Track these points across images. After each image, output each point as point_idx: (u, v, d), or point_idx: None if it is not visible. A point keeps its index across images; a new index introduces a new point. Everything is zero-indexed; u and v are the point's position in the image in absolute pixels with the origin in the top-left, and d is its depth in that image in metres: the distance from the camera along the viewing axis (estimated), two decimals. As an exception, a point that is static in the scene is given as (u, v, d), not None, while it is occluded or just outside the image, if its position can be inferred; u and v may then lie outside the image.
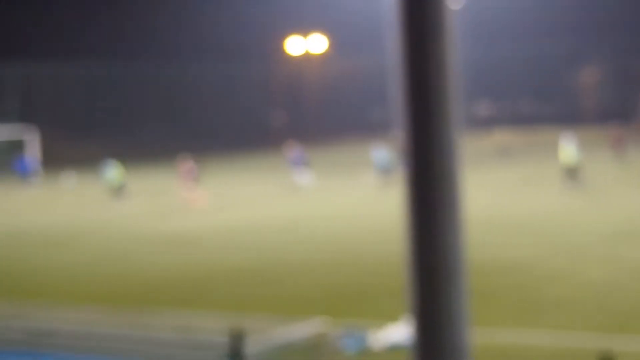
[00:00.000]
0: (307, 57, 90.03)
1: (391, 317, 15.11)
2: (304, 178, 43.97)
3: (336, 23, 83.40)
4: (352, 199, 38.00)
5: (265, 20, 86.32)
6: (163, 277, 22.05)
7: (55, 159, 62.24)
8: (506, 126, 77.01)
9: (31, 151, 58.33)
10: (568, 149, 37.78)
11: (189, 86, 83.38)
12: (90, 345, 8.73)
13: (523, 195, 35.91)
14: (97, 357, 8.97)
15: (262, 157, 67.78)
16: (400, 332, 13.71)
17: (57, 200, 43.67)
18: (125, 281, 21.78)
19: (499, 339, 13.50)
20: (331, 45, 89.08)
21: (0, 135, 62.66)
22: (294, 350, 8.62)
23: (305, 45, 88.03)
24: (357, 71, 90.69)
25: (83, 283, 21.82)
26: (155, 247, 27.01)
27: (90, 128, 75.38)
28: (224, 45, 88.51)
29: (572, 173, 37.10)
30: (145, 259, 25.04)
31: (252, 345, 8.25)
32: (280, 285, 20.57)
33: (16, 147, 61.40)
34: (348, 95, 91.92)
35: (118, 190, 41.33)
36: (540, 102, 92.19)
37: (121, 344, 8.70)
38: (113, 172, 42.32)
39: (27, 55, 74.89)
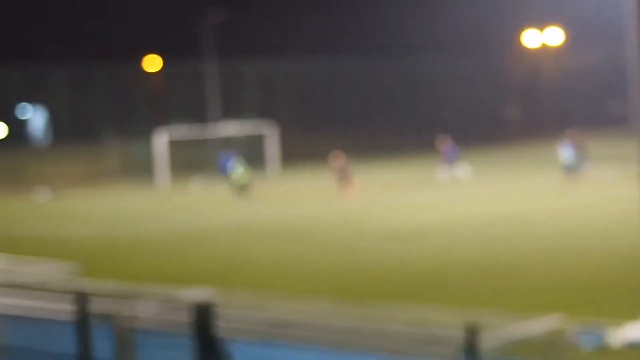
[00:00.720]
0: (543, 50, 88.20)
1: (630, 315, 14.59)
2: (461, 172, 45.30)
3: (573, 16, 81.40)
4: (580, 194, 36.95)
5: (501, 14, 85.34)
6: (395, 271, 22.12)
7: (292, 154, 63.79)
8: None
9: (270, 146, 59.93)
10: None
11: (421, 80, 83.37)
12: (324, 338, 8.82)
13: None
14: (331, 350, 9.05)
15: (495, 152, 66.94)
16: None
17: (293, 194, 44.65)
18: (357, 275, 22.00)
19: None
20: (568, 38, 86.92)
21: (241, 130, 64.79)
22: (529, 347, 8.40)
23: (541, 38, 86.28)
24: (595, 64, 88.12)
25: (316, 275, 22.20)
26: (388, 241, 27.14)
27: (325, 123, 76.67)
28: (458, 39, 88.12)
29: None
30: (378, 252, 25.19)
31: (487, 340, 8.10)
32: (512, 280, 20.24)
33: (256, 142, 63.33)
34: (585, 89, 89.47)
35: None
36: None
37: (354, 337, 8.74)
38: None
39: (266, 53, 77.23)
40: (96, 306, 9.97)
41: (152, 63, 75.68)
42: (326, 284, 20.83)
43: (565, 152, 41.22)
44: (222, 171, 48.47)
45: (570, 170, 40.49)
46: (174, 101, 67.89)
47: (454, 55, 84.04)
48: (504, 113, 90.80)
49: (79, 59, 74.41)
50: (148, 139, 58.69)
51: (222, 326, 9.30)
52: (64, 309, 10.21)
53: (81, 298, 9.56)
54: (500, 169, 52.47)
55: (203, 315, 8.78)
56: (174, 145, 62.39)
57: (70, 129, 62.40)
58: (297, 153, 70.07)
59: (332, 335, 8.83)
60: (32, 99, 70.88)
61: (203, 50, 63.98)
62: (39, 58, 72.26)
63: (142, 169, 59.24)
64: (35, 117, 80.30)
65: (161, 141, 55.68)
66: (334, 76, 75.39)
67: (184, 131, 66.84)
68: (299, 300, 10.55)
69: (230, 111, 71.19)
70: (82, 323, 9.46)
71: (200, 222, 34.71)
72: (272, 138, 61.19)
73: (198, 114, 67.04)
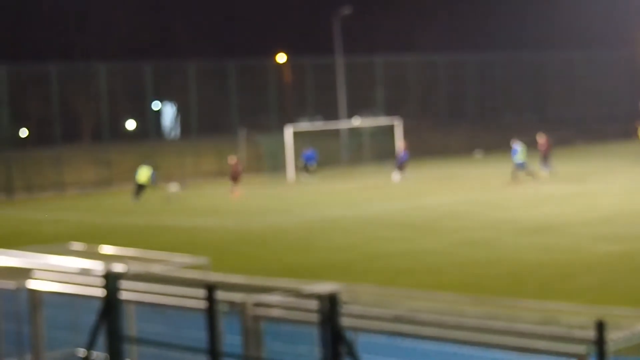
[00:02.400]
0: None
1: None
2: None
3: None
4: None
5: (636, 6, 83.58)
6: (526, 265, 21.87)
7: (420, 147, 63.60)
8: None
9: (399, 139, 59.86)
10: None
11: (554, 73, 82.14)
12: (451, 335, 8.78)
13: None
14: (457, 346, 9.00)
15: (632, 146, 65.44)
16: None
17: (421, 186, 44.58)
18: (486, 268, 21.82)
19: None
20: None
21: (369, 123, 64.97)
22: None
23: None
24: None
25: (445, 269, 22.11)
26: (516, 235, 26.85)
27: (453, 116, 76.22)
28: (591, 32, 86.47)
29: None
30: (507, 246, 24.94)
31: (617, 338, 7.94)
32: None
33: (384, 134, 63.45)
34: None
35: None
36: None
37: (482, 334, 8.68)
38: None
39: (394, 47, 77.12)
40: (225, 297, 10.15)
41: (282, 57, 76.48)
42: (453, 278, 20.73)
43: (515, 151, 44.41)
44: (306, 162, 54.16)
45: (519, 167, 43.66)
46: (303, 95, 68.44)
47: (587, 48, 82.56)
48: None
49: (210, 54, 75.79)
50: (278, 132, 59.34)
51: (348, 319, 9.36)
52: (195, 299, 10.44)
53: (211, 289, 9.75)
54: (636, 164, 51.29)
55: (330, 308, 8.85)
56: (303, 138, 62.91)
57: (201, 123, 63.52)
58: (425, 146, 69.89)
59: (459, 332, 8.78)
60: (164, 94, 72.44)
61: (332, 44, 64.27)
62: (171, 54, 73.81)
63: (272, 162, 59.95)
64: (166, 111, 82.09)
65: (291, 134, 56.18)
66: (461, 70, 74.83)
67: (313, 124, 67.34)
68: (425, 295, 10.50)
69: (359, 104, 71.40)
70: (212, 314, 9.65)
71: (328, 214, 34.95)
72: (400, 131, 61.08)
73: (327, 108, 67.44)
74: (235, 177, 47.10)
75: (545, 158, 46.26)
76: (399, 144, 53.91)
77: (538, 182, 42.55)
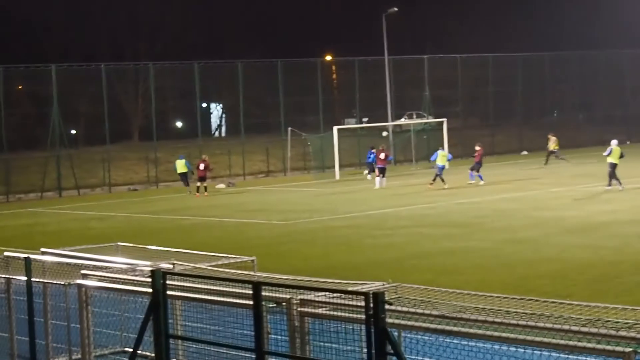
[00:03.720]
0: None
1: None
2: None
3: None
4: None
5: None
6: (570, 265, 21.72)
7: (467, 146, 63.41)
8: None
9: (446, 138, 59.67)
10: None
11: (602, 72, 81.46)
12: (499, 333, 8.78)
13: None
14: (503, 345, 8.99)
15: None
16: None
17: (470, 185, 44.43)
18: (531, 268, 21.71)
19: None
20: None
21: (417, 123, 64.89)
22: None
23: None
24: None
25: (489, 269, 22.03)
26: (562, 235, 26.68)
27: (501, 116, 75.85)
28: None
29: None
30: (553, 246, 24.79)
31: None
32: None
33: (433, 134, 63.39)
34: None
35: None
36: None
37: (528, 333, 8.67)
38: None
39: (442, 47, 76.86)
40: (271, 295, 10.23)
41: (330, 57, 76.56)
42: (498, 278, 20.66)
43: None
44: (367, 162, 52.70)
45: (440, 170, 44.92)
46: (351, 94, 68.46)
47: (638, 46, 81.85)
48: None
49: (258, 53, 76.02)
50: (326, 131, 59.43)
51: (393, 317, 9.38)
52: (241, 297, 10.51)
53: (257, 287, 9.83)
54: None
55: (375, 306, 8.88)
56: (350, 136, 62.92)
57: (248, 122, 63.79)
58: (471, 145, 69.64)
59: (505, 331, 8.78)
60: (212, 93, 72.83)
61: (380, 43, 64.22)
62: (220, 53, 74.16)
63: (318, 161, 60.07)
64: (214, 110, 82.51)
65: (338, 133, 56.18)
66: (509, 69, 74.42)
67: (360, 123, 67.34)
68: (471, 295, 10.50)
69: (406, 104, 71.29)
70: (258, 312, 9.73)
71: (372, 212, 34.95)
72: (445, 131, 60.92)
73: (375, 107, 67.43)
74: (203, 177, 47.14)
75: (476, 165, 46.19)
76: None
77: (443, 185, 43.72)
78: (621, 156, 39.63)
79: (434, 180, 44.62)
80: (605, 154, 39.90)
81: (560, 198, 37.19)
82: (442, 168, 45.27)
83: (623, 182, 38.57)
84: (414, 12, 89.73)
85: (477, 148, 47.34)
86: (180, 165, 49.62)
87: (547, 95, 79.22)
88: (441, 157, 45.70)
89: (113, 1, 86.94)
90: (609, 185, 38.85)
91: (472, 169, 46.56)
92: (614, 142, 40.46)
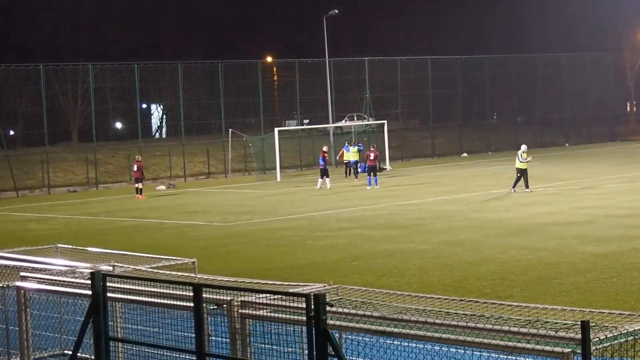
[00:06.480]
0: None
1: None
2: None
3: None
4: None
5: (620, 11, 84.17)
6: (514, 266, 21.92)
7: (406, 148, 63.55)
8: None
9: (384, 140, 59.88)
10: None
11: (542, 76, 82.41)
12: (439, 336, 8.83)
13: None
14: (443, 346, 9.05)
15: (615, 148, 65.73)
16: None
17: (406, 186, 44.66)
18: (470, 270, 21.88)
19: None
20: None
21: (356, 124, 65.04)
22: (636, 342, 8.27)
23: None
24: None
25: (429, 270, 22.15)
26: (502, 236, 26.93)
27: (438, 119, 76.34)
28: (579, 35, 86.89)
29: None
30: (492, 248, 25.00)
31: (601, 338, 8.01)
32: (633, 278, 19.86)
33: (370, 136, 63.53)
34: None
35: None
36: None
37: (468, 334, 8.73)
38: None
39: (381, 49, 77.14)
40: (212, 297, 10.20)
41: (271, 58, 76.47)
42: (439, 279, 20.78)
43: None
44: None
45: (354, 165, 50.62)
46: (291, 96, 68.44)
47: (576, 50, 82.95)
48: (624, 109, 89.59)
49: (198, 55, 75.71)
50: (267, 132, 59.35)
51: (334, 318, 9.40)
52: (182, 299, 10.47)
53: (197, 289, 9.81)
54: (622, 164, 51.51)
55: (316, 307, 8.89)
56: (291, 138, 62.91)
57: (189, 124, 63.49)
58: (411, 147, 70.00)
59: (445, 332, 8.84)
60: (152, 95, 72.34)
61: (320, 46, 64.30)
62: (160, 55, 73.74)
63: (259, 162, 59.96)
64: (154, 112, 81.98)
65: (279, 135, 56.11)
66: (449, 72, 74.98)
67: (301, 125, 67.36)
68: (411, 296, 10.56)
69: (347, 106, 71.45)
70: (198, 313, 9.70)
71: (313, 214, 34.98)
72: (386, 133, 61.14)
73: (316, 109, 67.49)
74: (139, 178, 46.91)
75: (370, 168, 46.60)
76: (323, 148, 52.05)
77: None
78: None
79: (354, 175, 50.16)
80: (521, 159, 40.07)
81: (499, 200, 37.52)
82: (356, 163, 50.64)
83: (531, 187, 39.40)
84: (355, 15, 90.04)
85: (371, 151, 47.63)
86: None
87: (487, 98, 79.93)
88: (353, 152, 50.73)
89: (52, 0, 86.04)
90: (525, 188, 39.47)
91: (369, 173, 46.73)
92: (524, 146, 40.89)
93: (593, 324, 8.18)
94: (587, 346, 7.86)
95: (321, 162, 47.81)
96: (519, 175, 39.60)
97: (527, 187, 39.37)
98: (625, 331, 8.21)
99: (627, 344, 8.18)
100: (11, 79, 58.33)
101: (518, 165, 39.72)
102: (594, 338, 7.93)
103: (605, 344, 8.01)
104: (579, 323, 7.99)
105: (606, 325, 8.38)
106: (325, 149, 49.80)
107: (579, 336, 7.93)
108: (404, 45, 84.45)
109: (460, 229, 29.05)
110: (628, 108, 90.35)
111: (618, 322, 8.57)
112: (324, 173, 47.21)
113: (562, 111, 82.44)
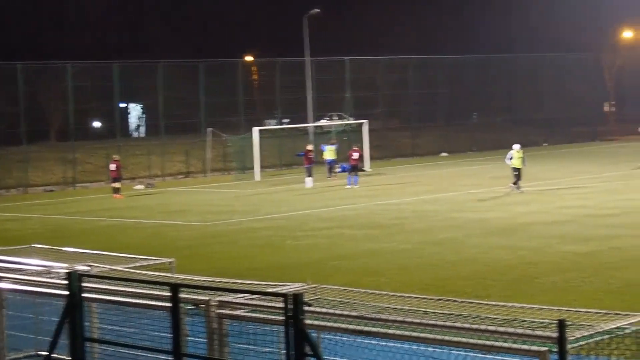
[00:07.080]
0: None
1: None
2: None
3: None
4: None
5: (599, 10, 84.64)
6: (494, 266, 21.94)
7: (387, 148, 63.60)
8: None
9: (365, 140, 59.81)
10: None
11: (523, 76, 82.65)
12: (417, 334, 8.80)
13: None
14: (422, 346, 9.03)
15: (594, 147, 65.98)
16: None
17: (389, 186, 44.68)
18: (449, 269, 21.88)
19: None
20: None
21: (337, 124, 64.99)
22: (621, 344, 8.27)
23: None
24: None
25: (410, 270, 22.14)
26: (481, 236, 26.95)
27: (420, 119, 76.39)
28: (558, 35, 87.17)
29: None
30: (471, 247, 25.02)
31: (578, 336, 8.01)
32: (610, 276, 19.90)
33: (351, 135, 63.51)
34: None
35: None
36: None
37: (446, 333, 8.70)
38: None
39: (363, 49, 77.26)
40: (189, 296, 10.14)
41: (251, 57, 76.34)
42: (419, 279, 20.77)
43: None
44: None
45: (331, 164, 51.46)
46: (272, 95, 68.34)
47: (556, 50, 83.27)
48: (602, 108, 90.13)
49: (178, 53, 75.51)
50: (247, 132, 59.20)
51: (312, 318, 9.35)
52: (159, 299, 10.41)
53: (175, 289, 9.73)
54: (603, 164, 51.71)
55: (294, 307, 8.84)
56: (271, 137, 62.77)
57: (168, 123, 63.30)
58: (393, 147, 70.03)
59: (424, 332, 8.81)
60: (131, 94, 72.07)
61: (301, 45, 64.21)
62: (140, 53, 73.48)
63: (239, 162, 59.81)
64: (133, 111, 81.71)
65: (259, 134, 55.92)
66: (431, 72, 75.05)
67: (281, 124, 67.25)
68: (390, 296, 10.52)
69: (328, 105, 71.38)
70: (176, 314, 9.63)
71: (293, 213, 34.92)
72: (366, 132, 61.09)
73: (296, 108, 67.38)
74: (117, 178, 46.86)
75: (351, 169, 46.71)
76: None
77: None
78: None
79: (331, 174, 50.66)
80: (508, 159, 39.94)
81: (480, 199, 37.57)
82: (333, 162, 50.84)
83: (522, 186, 39.28)
84: (336, 14, 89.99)
85: (355, 150, 47.77)
86: None
87: (468, 98, 80.00)
88: (330, 151, 51.10)
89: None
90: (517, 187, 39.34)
91: (350, 172, 46.80)
92: (516, 146, 40.70)
93: (570, 323, 8.17)
94: (564, 345, 7.85)
95: (306, 161, 47.95)
96: (516, 174, 39.47)
97: (514, 184, 39.31)
98: (601, 330, 8.21)
99: (603, 342, 8.18)
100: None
101: (514, 164, 39.45)
102: (570, 337, 7.93)
103: (581, 343, 8.00)
104: (556, 322, 7.98)
105: (582, 324, 8.38)
106: (309, 147, 49.89)
107: (555, 335, 7.92)
108: (385, 46, 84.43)
109: (441, 229, 29.06)
110: (607, 108, 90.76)
111: (594, 320, 8.57)
112: (310, 172, 47.27)
113: (543, 111, 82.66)
